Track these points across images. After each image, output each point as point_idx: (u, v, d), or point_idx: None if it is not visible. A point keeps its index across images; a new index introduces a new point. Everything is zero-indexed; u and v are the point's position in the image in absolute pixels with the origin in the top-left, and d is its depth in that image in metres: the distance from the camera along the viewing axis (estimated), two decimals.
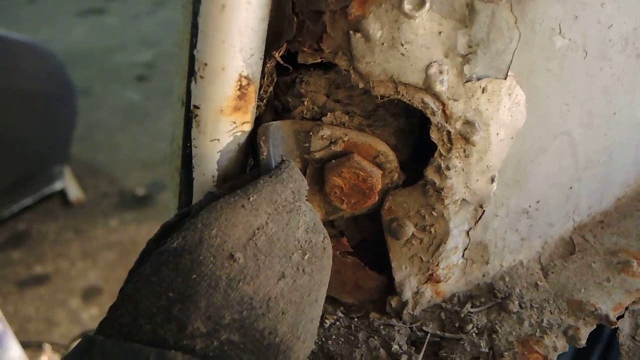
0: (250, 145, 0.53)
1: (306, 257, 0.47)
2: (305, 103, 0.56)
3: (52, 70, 2.47)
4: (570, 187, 0.66)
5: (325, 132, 0.54)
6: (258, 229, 0.44)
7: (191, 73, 0.47)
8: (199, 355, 0.40)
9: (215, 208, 0.43)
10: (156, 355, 0.39)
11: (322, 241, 0.49)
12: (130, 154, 3.21)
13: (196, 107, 0.48)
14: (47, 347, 1.87)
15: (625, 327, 0.62)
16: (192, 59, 0.47)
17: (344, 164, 0.54)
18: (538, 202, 0.64)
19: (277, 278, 0.44)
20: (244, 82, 0.47)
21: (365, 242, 0.65)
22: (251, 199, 0.44)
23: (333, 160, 0.55)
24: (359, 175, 0.54)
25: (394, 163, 0.56)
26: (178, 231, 0.43)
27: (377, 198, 0.56)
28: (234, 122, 0.49)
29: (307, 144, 0.55)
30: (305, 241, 0.47)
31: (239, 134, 0.50)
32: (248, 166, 0.55)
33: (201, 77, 0.47)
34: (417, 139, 0.59)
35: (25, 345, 1.72)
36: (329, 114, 0.55)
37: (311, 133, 0.54)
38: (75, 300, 2.25)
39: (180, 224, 0.45)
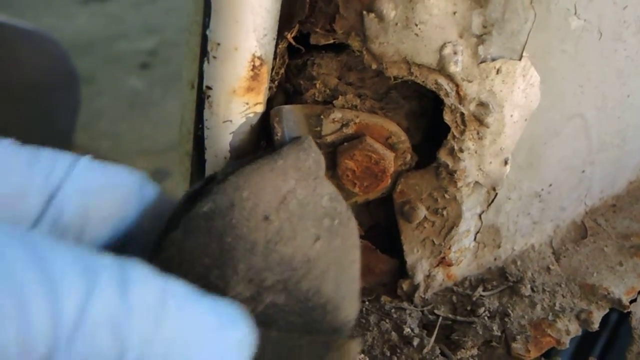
0: (263, 128, 0.52)
1: (335, 222, 0.45)
2: (317, 86, 0.54)
3: (56, 58, 2.46)
4: (583, 171, 0.66)
5: (337, 114, 0.53)
6: (288, 192, 0.42)
7: (203, 53, 0.47)
8: None
9: (243, 172, 0.41)
10: None
11: (346, 210, 0.47)
12: (134, 141, 3.20)
13: (209, 87, 0.47)
14: None
15: (638, 311, 0.62)
16: (204, 39, 0.46)
17: (357, 147, 0.53)
18: (550, 185, 0.63)
19: (313, 240, 0.42)
20: (257, 63, 0.47)
21: (377, 226, 0.65)
22: (278, 164, 0.42)
23: (345, 143, 0.54)
24: (371, 157, 0.53)
25: (406, 144, 0.55)
26: (206, 196, 0.40)
27: (389, 181, 0.56)
28: (247, 103, 0.48)
29: (319, 128, 0.54)
30: (331, 208, 0.45)
31: (251, 115, 0.49)
32: (260, 149, 0.54)
33: (214, 57, 0.46)
34: (430, 121, 0.58)
35: None
36: (340, 96, 0.54)
37: (322, 116, 0.53)
38: None
39: (206, 190, 0.42)
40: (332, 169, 0.55)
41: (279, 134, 0.52)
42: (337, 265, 0.44)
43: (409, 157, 0.56)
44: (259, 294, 0.40)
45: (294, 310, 0.41)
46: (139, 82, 3.75)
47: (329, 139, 0.55)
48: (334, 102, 0.54)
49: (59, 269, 0.27)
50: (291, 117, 0.53)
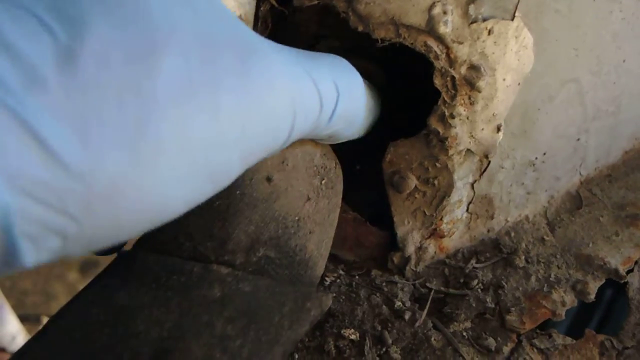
0: None
1: (323, 181, 0.50)
2: (298, 33, 0.55)
3: None
4: (578, 139, 0.64)
5: None
6: (289, 153, 0.46)
7: None
8: (239, 269, 0.43)
9: None
10: (200, 268, 0.41)
11: (335, 167, 0.51)
12: None
13: None
14: (45, 319, 1.86)
15: (634, 281, 0.60)
16: None
17: None
18: (545, 154, 0.61)
19: (304, 200, 0.48)
20: None
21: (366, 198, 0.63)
22: None
23: None
24: None
25: (383, 79, 0.59)
26: None
27: None
28: None
29: None
30: (321, 167, 0.49)
31: None
32: None
33: None
34: (420, 86, 0.56)
35: (23, 318, 1.71)
36: (321, 40, 0.56)
37: None
38: (73, 273, 2.24)
39: None
40: None
41: None
42: (321, 225, 0.49)
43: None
44: (254, 248, 0.44)
45: (282, 263, 0.46)
46: None
47: None
48: (316, 46, 0.57)
49: (322, 82, 0.40)
50: None
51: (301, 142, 0.47)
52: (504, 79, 0.51)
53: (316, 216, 0.49)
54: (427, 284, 0.59)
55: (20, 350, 0.38)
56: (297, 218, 0.47)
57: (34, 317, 1.90)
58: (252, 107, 0.33)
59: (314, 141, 0.49)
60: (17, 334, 1.59)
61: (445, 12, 0.47)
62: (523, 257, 0.60)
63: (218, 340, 0.38)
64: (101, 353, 0.37)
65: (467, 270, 0.60)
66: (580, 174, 0.68)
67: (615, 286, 0.62)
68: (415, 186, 0.56)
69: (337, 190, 0.52)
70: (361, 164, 0.64)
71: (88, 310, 0.39)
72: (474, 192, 0.59)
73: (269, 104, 0.34)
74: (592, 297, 0.57)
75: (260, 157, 0.37)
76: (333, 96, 0.41)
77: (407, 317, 0.55)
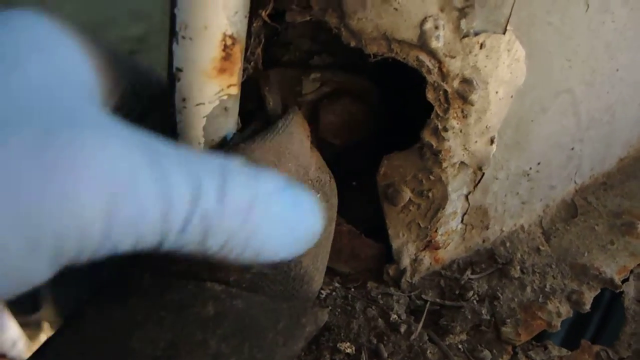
0: (238, 110, 0.50)
1: (318, 195, 0.49)
2: (292, 50, 0.57)
3: None
4: (572, 148, 0.64)
5: (316, 75, 0.57)
6: (280, 167, 0.45)
7: (173, 34, 0.45)
8: (233, 286, 0.42)
9: (238, 148, 0.45)
10: (194, 286, 0.41)
11: (329, 180, 0.51)
12: None
13: (179, 69, 0.45)
14: (46, 325, 1.86)
15: (630, 290, 0.60)
16: (173, 19, 0.44)
17: (337, 102, 0.59)
18: (539, 163, 0.61)
19: None
20: (229, 42, 0.45)
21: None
22: (271, 143, 0.46)
23: (325, 100, 0.59)
24: (350, 110, 0.59)
25: (376, 97, 0.61)
26: None
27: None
28: (220, 85, 0.46)
29: (299, 88, 0.58)
30: (316, 180, 0.49)
31: (225, 97, 0.47)
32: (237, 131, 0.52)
33: (183, 37, 0.44)
34: (413, 100, 0.56)
35: (24, 324, 1.71)
36: (315, 57, 0.57)
37: (303, 77, 0.57)
38: None
39: None
40: (314, 123, 0.59)
41: (270, 103, 0.52)
42: (317, 240, 0.47)
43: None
44: (248, 265, 0.43)
45: (277, 279, 0.45)
46: None
47: (309, 97, 0.58)
48: (310, 61, 0.58)
49: (174, 175, 0.31)
50: (275, 81, 0.55)
51: (294, 155, 0.47)
52: (496, 92, 0.51)
53: None
54: (423, 296, 0.59)
55: None
56: None
57: (34, 323, 1.90)
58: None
59: (310, 152, 0.49)
60: (17, 340, 1.60)
61: (437, 27, 0.48)
62: (518, 268, 0.60)
63: (212, 359, 0.38)
64: None
65: (462, 282, 0.60)
66: (575, 182, 0.69)
67: (612, 291, 0.62)
68: (410, 199, 0.56)
69: (332, 204, 0.52)
70: (356, 177, 0.64)
71: (85, 327, 0.40)
72: (469, 204, 0.59)
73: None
74: (588, 307, 0.57)
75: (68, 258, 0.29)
76: (187, 198, 0.32)
77: (402, 330, 0.55)
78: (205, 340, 0.39)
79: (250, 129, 0.51)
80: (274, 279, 0.45)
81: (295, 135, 0.48)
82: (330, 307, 0.57)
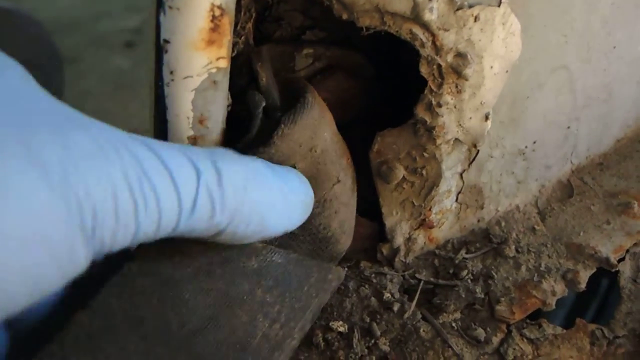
0: (228, 83, 0.49)
1: (349, 160, 0.53)
2: (283, 25, 0.55)
3: (37, 39, 2.40)
4: (568, 127, 0.63)
5: (309, 50, 0.56)
6: (313, 142, 0.48)
7: (160, 4, 0.44)
8: (267, 243, 0.46)
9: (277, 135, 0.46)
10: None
11: (344, 144, 0.54)
12: (122, 120, 3.15)
13: (166, 41, 0.44)
14: None
15: (626, 270, 0.60)
16: None
17: (330, 78, 0.58)
18: (535, 142, 0.61)
19: (333, 182, 0.51)
20: (217, 13, 0.44)
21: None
22: (301, 122, 0.47)
23: (318, 76, 0.58)
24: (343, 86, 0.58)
25: (371, 71, 0.60)
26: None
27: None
28: (209, 57, 0.45)
29: (292, 64, 0.57)
30: (341, 148, 0.52)
31: (214, 70, 0.46)
32: (228, 107, 0.51)
33: (170, 7, 0.43)
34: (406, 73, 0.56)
35: None
36: (307, 32, 0.56)
37: (295, 53, 0.56)
38: None
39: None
40: None
41: (264, 79, 0.52)
42: (346, 205, 0.53)
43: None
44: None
45: (307, 240, 0.51)
46: (125, 61, 3.69)
47: (303, 73, 0.58)
48: (303, 37, 0.57)
49: (175, 159, 0.35)
50: (267, 57, 0.54)
51: (328, 123, 0.50)
52: (491, 67, 0.51)
53: (343, 197, 0.52)
54: (417, 275, 0.59)
55: (70, 319, 0.40)
56: (323, 200, 0.50)
57: None
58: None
59: (328, 129, 0.51)
60: None
61: None
62: (513, 247, 0.60)
63: (259, 306, 0.42)
64: (151, 319, 0.40)
65: (456, 261, 0.59)
66: (571, 162, 0.68)
67: (610, 276, 0.62)
68: (403, 176, 0.56)
69: (354, 168, 0.55)
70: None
71: (134, 282, 0.43)
72: (463, 182, 0.58)
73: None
74: (583, 286, 0.57)
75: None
76: (191, 180, 0.36)
77: (395, 308, 0.54)
78: (252, 290, 0.43)
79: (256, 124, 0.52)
80: (303, 240, 0.51)
81: (321, 106, 0.50)
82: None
